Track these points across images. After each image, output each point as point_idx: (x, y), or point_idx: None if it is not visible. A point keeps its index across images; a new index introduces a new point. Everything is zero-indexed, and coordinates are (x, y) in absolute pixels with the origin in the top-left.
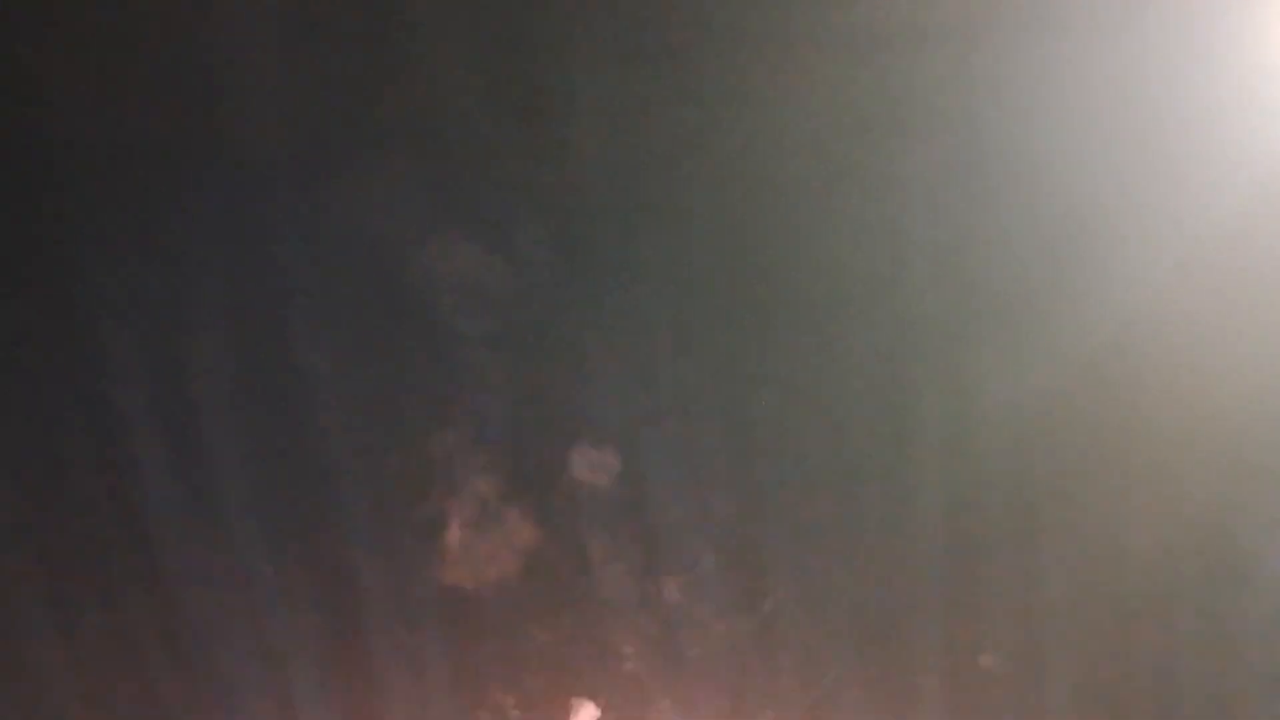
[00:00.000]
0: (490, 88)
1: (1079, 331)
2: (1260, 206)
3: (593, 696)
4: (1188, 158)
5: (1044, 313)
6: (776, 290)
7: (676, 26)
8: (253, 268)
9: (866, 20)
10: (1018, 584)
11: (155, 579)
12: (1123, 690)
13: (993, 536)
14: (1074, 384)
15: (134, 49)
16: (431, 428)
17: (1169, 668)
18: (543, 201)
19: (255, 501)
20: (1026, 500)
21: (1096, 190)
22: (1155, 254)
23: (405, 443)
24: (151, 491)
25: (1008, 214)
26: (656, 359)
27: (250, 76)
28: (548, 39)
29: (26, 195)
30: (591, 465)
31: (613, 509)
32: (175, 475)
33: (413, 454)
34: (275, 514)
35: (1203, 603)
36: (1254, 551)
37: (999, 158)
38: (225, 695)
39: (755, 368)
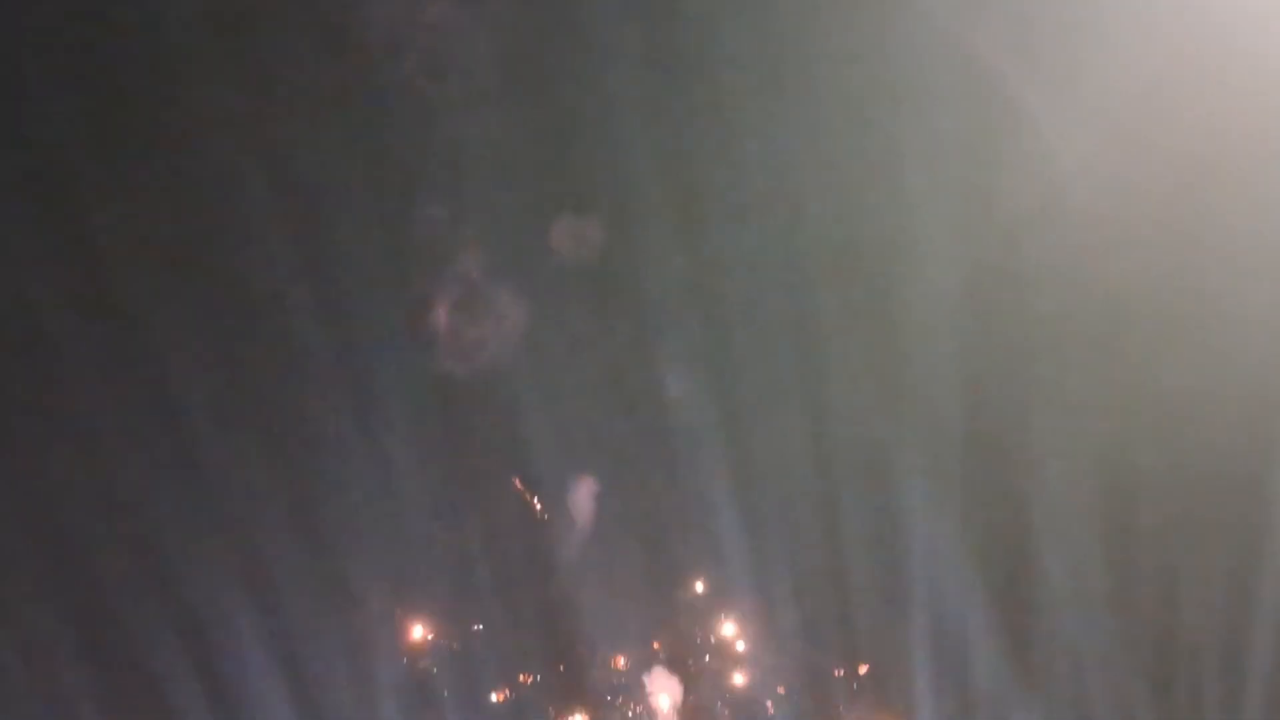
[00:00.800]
0: None
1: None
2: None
3: (590, 475)
4: None
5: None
6: (773, 68)
7: None
8: (223, 49)
9: None
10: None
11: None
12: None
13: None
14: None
15: None
16: (408, 205)
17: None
18: None
19: (238, 273)
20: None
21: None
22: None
23: (383, 221)
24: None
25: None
26: (642, 126)
27: None
28: None
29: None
30: (575, 237)
31: (599, 282)
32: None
33: (392, 234)
34: (258, 301)
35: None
36: None
37: None
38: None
39: (746, 138)
